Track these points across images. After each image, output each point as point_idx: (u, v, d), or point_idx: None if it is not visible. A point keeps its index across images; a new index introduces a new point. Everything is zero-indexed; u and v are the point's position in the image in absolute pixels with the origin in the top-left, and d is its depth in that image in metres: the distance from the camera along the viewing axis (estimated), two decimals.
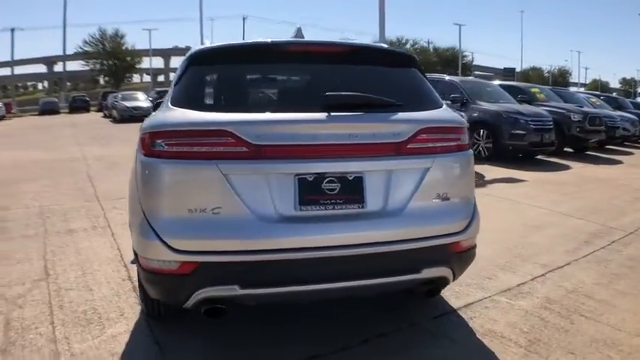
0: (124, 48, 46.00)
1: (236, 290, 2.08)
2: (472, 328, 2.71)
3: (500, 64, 57.50)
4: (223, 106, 2.37)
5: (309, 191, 2.14)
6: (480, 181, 7.12)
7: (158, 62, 66.23)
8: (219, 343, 2.55)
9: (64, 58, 47.39)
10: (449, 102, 9.38)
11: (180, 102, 2.31)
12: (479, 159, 8.80)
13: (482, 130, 9.24)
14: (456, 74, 33.20)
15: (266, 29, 71.28)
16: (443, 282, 2.49)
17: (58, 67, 57.24)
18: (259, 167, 2.12)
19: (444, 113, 2.59)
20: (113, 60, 44.48)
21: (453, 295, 3.08)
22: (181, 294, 2.12)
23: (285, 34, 2.92)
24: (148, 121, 2.33)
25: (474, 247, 2.55)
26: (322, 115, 2.19)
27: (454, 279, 2.49)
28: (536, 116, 9.17)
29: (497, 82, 13.72)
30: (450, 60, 44.04)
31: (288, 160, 2.14)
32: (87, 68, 48.10)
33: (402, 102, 2.43)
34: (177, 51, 60.69)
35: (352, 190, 2.18)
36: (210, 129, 2.11)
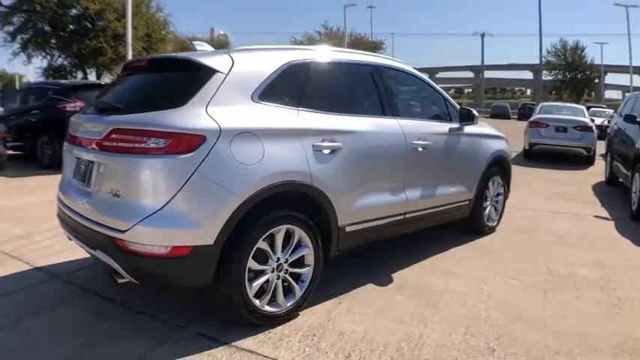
0: (583, 61, 40.54)
1: (59, 225, 2.90)
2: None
3: None
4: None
5: (77, 169, 2.64)
6: None
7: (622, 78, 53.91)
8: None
9: (540, 66, 45.87)
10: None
11: None
12: None
13: None
14: None
15: None
16: (116, 272, 2.33)
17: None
18: (68, 149, 2.80)
19: (170, 115, 2.23)
20: (573, 72, 39.92)
21: (277, 340, 2.45)
22: None
23: None
24: None
25: (153, 257, 2.18)
26: (84, 116, 2.69)
27: (133, 277, 2.29)
28: None
29: None
30: None
31: (75, 146, 2.69)
32: (549, 78, 45.00)
33: (145, 103, 2.41)
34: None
35: (86, 172, 2.53)
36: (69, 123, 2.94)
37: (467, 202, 4.15)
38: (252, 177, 2.36)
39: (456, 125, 3.92)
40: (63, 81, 10.69)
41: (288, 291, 2.66)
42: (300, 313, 2.74)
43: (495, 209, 4.69)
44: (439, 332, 2.56)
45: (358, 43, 33.05)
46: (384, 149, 3.13)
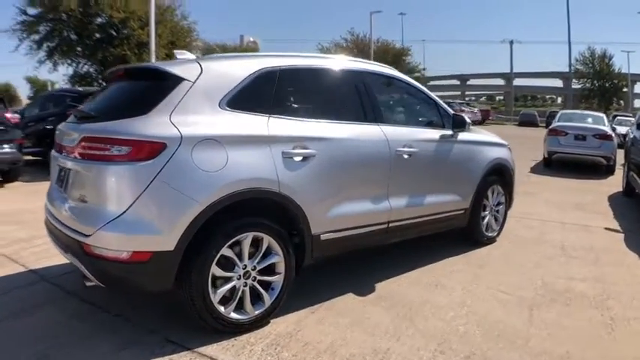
0: (611, 70, 38.35)
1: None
2: None
3: None
4: None
5: (58, 176, 2.66)
6: None
7: None
8: None
9: (570, 75, 44.44)
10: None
11: None
12: None
13: None
14: None
15: None
16: (85, 275, 2.37)
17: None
18: (54, 157, 2.79)
19: (133, 123, 2.26)
20: (602, 81, 38.03)
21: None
22: None
23: None
24: None
25: (115, 261, 2.19)
26: (66, 125, 2.68)
27: (99, 280, 2.31)
28: None
29: None
30: None
31: (59, 154, 2.68)
32: (578, 86, 43.06)
33: (110, 112, 2.46)
34: None
35: (64, 179, 2.56)
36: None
37: (462, 212, 3.98)
38: (214, 184, 2.32)
39: (448, 132, 3.77)
40: (81, 88, 10.99)
41: (257, 298, 2.59)
42: (271, 320, 2.67)
43: (496, 219, 4.49)
44: (408, 347, 2.43)
45: (385, 50, 32.49)
46: (364, 156, 3.03)
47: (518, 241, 4.53)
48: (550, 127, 10.50)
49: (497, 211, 4.49)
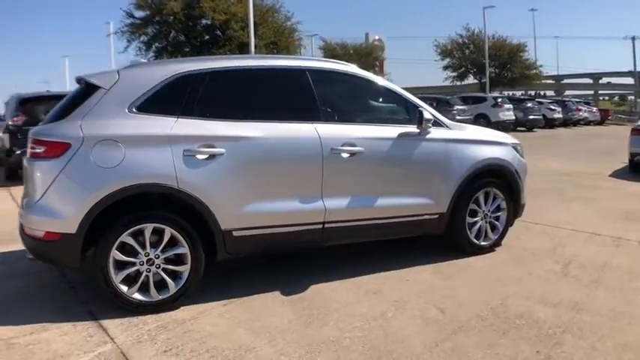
0: None
1: None
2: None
3: None
4: None
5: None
6: None
7: None
8: None
9: None
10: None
11: None
12: None
13: None
14: None
15: None
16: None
17: None
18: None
19: (54, 126, 2.58)
20: None
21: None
22: None
23: None
24: None
25: (36, 239, 2.53)
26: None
27: (34, 256, 2.66)
28: None
29: None
30: None
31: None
32: None
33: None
34: None
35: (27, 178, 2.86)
36: None
37: (436, 217, 3.53)
38: (108, 178, 2.54)
39: (413, 129, 3.35)
40: None
41: (165, 284, 2.70)
42: (182, 307, 2.76)
43: (493, 227, 3.87)
44: (274, 351, 2.32)
45: (500, 46, 30.59)
46: (285, 155, 2.92)
47: (519, 253, 3.85)
48: (634, 126, 8.59)
49: (497, 219, 3.86)
